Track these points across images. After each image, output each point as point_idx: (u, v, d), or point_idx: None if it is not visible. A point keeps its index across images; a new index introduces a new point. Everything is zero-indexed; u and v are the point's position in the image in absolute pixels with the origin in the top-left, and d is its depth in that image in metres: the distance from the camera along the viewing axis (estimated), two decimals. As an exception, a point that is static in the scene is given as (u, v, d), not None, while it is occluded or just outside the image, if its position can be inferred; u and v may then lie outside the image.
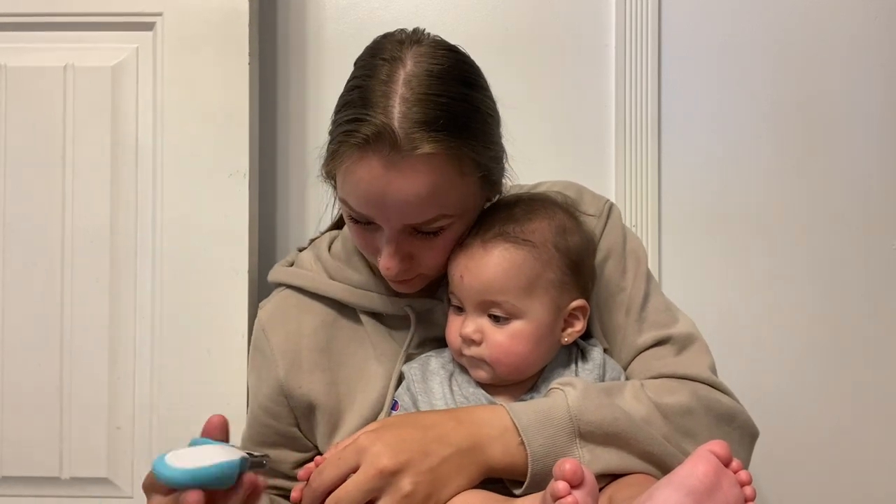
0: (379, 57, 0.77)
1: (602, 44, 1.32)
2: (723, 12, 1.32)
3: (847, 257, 1.31)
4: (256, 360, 0.93)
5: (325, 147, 0.79)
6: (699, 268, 1.32)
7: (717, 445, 0.63)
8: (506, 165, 0.85)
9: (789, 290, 1.31)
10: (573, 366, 0.83)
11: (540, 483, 0.70)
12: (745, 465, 0.81)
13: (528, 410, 0.74)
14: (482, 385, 0.81)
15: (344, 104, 0.77)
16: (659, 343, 0.87)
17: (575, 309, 0.81)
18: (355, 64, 0.80)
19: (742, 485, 0.62)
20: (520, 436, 0.72)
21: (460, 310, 0.81)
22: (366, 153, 0.74)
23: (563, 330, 0.81)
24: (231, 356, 1.19)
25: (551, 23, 1.32)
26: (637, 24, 1.30)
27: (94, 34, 1.22)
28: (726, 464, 0.62)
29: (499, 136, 0.83)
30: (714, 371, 0.86)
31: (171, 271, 1.21)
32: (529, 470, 0.72)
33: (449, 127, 0.74)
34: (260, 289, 1.24)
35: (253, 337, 0.94)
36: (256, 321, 0.93)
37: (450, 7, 1.33)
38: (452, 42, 0.81)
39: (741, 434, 0.84)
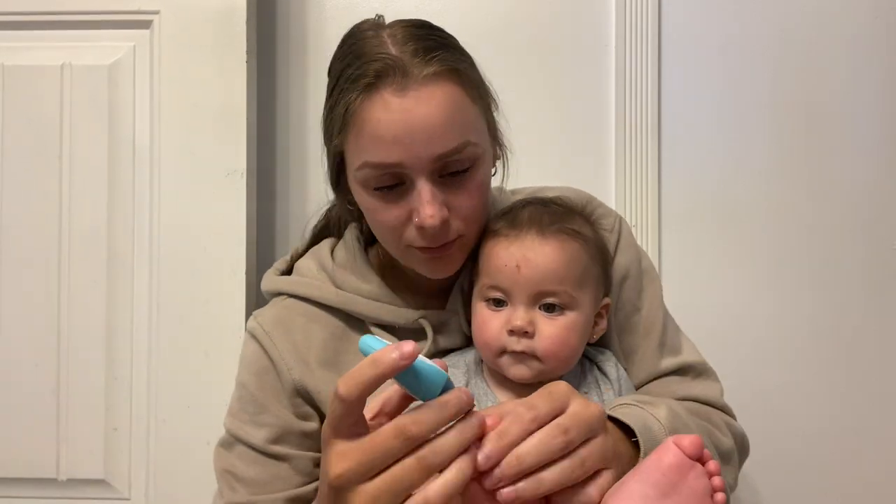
0: (361, 32, 0.78)
1: (602, 44, 1.31)
2: (723, 12, 1.31)
3: (847, 257, 1.31)
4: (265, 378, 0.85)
5: (328, 126, 0.79)
6: (699, 267, 1.32)
7: (685, 439, 0.62)
8: (503, 132, 0.85)
9: (789, 289, 1.31)
10: (588, 375, 0.82)
11: None
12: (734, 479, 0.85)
13: (631, 414, 0.70)
14: (494, 392, 0.79)
15: (338, 77, 0.77)
16: (679, 370, 0.89)
17: (603, 307, 0.82)
18: (335, 56, 0.79)
19: (710, 475, 0.62)
20: (634, 437, 0.68)
21: (499, 304, 0.77)
22: (377, 91, 0.73)
23: (593, 326, 0.81)
24: (229, 357, 1.17)
25: (551, 23, 1.32)
26: (637, 24, 1.29)
27: (90, 32, 1.21)
28: (695, 459, 0.62)
29: (489, 91, 0.82)
30: (722, 396, 0.91)
31: (168, 272, 1.20)
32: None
33: (444, 50, 0.75)
34: (258, 290, 1.23)
35: (252, 349, 0.86)
36: (256, 331, 0.86)
37: (449, 7, 1.33)
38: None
39: (743, 456, 0.89)
